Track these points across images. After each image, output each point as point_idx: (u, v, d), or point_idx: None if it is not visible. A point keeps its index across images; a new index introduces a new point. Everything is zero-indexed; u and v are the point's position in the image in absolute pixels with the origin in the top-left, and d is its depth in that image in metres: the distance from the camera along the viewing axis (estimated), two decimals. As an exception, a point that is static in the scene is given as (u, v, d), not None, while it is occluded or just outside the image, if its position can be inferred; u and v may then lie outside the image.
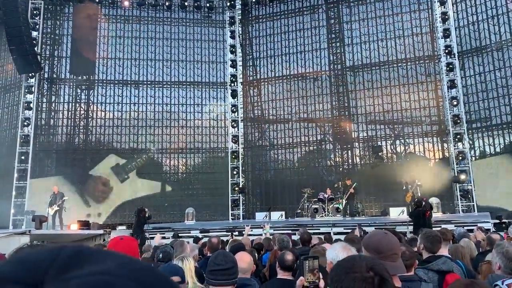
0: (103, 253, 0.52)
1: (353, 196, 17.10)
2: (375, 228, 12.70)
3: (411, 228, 12.40)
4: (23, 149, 20.41)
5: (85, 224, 15.80)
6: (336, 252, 2.84)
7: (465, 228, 10.67)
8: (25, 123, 20.57)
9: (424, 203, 11.36)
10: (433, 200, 15.51)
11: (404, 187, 15.19)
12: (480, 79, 19.31)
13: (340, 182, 18.31)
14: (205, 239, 8.24)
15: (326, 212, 17.10)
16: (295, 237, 10.35)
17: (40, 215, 15.17)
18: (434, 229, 6.69)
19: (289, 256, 3.99)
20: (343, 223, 14.81)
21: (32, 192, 20.05)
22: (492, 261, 3.27)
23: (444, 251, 4.35)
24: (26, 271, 0.48)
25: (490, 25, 19.18)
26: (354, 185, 17.01)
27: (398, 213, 16.33)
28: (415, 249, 4.53)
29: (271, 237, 8.36)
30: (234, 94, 22.64)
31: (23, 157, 20.30)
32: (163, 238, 14.24)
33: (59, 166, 21.80)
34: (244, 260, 3.43)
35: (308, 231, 8.84)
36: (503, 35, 18.84)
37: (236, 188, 21.55)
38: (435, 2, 20.17)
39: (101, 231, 15.54)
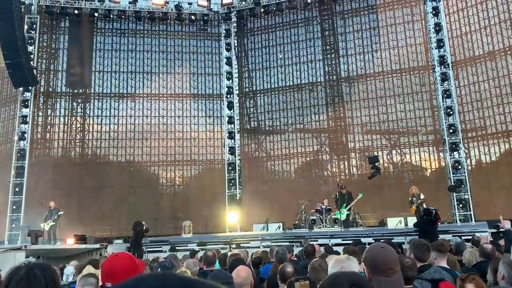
0: (202, 282, 0.54)
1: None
2: (373, 239, 12.69)
3: (409, 238, 12.36)
4: (19, 163, 20.32)
5: (82, 238, 15.67)
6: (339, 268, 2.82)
7: (463, 238, 10.69)
8: (21, 137, 20.51)
9: (434, 212, 11.27)
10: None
11: (410, 199, 15.17)
12: (474, 88, 19.46)
13: (337, 193, 18.21)
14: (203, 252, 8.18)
15: (324, 223, 17.03)
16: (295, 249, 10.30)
17: (36, 230, 15.05)
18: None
19: (289, 269, 3.98)
20: (341, 234, 14.75)
21: (27, 206, 19.90)
22: (498, 272, 3.27)
23: (442, 262, 4.35)
24: None
25: (483, 35, 19.40)
26: (360, 196, 16.68)
27: (396, 224, 16.30)
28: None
29: (267, 249, 8.31)
30: (230, 106, 22.72)
31: (18, 171, 20.19)
32: (160, 251, 14.18)
33: (55, 180, 21.69)
34: (239, 275, 3.41)
35: (311, 243, 8.81)
36: (496, 45, 19.04)
37: (233, 200, 21.49)
38: (428, 13, 20.41)
39: (97, 245, 15.42)
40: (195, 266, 5.48)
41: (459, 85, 19.85)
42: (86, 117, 22.73)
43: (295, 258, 6.51)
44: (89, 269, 4.75)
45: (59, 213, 15.83)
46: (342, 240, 13.50)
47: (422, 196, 14.79)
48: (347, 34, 22.31)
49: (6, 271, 1.96)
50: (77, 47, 22.72)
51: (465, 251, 5.61)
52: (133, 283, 0.53)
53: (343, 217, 16.42)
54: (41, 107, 22.32)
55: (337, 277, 1.52)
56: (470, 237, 10.86)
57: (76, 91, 23.03)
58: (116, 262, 2.55)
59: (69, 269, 7.06)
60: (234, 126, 22.61)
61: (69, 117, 22.59)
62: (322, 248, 7.86)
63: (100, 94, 22.84)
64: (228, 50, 23.34)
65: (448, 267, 4.30)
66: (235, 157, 22.35)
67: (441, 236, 10.52)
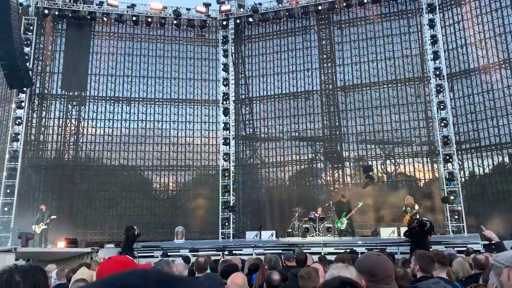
0: (184, 279, 0.54)
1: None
2: (366, 249, 12.68)
3: (402, 249, 12.38)
4: (11, 164, 20.15)
5: (73, 242, 15.52)
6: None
7: (455, 249, 10.69)
8: (14, 139, 20.35)
9: (429, 224, 11.26)
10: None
11: (404, 209, 15.17)
12: (468, 101, 19.62)
13: (331, 202, 18.21)
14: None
15: (317, 232, 16.98)
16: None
17: (27, 233, 14.89)
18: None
19: (275, 276, 3.96)
20: (334, 243, 14.72)
21: (18, 208, 19.71)
22: (489, 283, 3.26)
23: (442, 273, 4.35)
24: None
25: (478, 48, 19.60)
26: (360, 204, 16.64)
27: (389, 233, 16.28)
28: (409, 270, 4.51)
29: (262, 257, 8.27)
30: (226, 112, 22.71)
31: (10, 173, 20.00)
32: (151, 257, 14.08)
33: (48, 182, 21.55)
34: (234, 283, 3.38)
35: (304, 251, 8.79)
36: (490, 59, 19.23)
37: (227, 207, 21.42)
38: (424, 25, 20.60)
39: (88, 249, 15.25)
40: (185, 270, 5.46)
41: (453, 97, 20.00)
42: (81, 120, 22.62)
43: (295, 265, 6.49)
44: (82, 271, 4.71)
45: (52, 217, 15.72)
46: (335, 249, 13.47)
47: (416, 207, 14.82)
48: (344, 43, 22.44)
49: None
50: (74, 49, 22.66)
51: (454, 262, 5.55)
52: (115, 277, 0.53)
53: (343, 226, 16.36)
54: (36, 109, 22.19)
55: (330, 280, 1.59)
56: (462, 249, 10.89)
57: (71, 93, 22.93)
58: (110, 265, 2.51)
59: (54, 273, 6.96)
60: (229, 133, 22.58)
61: (64, 120, 22.46)
62: (315, 257, 7.84)
63: (96, 97, 22.76)
64: (225, 56, 23.38)
65: (447, 278, 4.30)
66: (230, 164, 22.30)
67: (433, 247, 10.54)
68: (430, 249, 8.84)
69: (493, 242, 6.08)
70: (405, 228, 14.40)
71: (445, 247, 11.99)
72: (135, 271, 0.56)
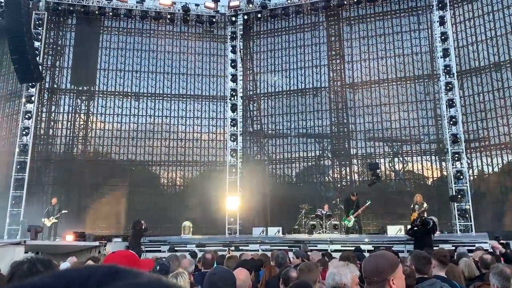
0: (135, 271, 0.55)
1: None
2: (372, 247, 12.70)
3: (408, 247, 12.34)
4: (21, 158, 20.36)
5: (81, 236, 15.67)
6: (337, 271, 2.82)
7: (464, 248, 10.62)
8: (24, 132, 20.57)
9: (432, 222, 11.23)
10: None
11: (412, 206, 15.11)
12: (478, 99, 19.44)
13: (338, 199, 18.17)
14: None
15: (324, 229, 16.98)
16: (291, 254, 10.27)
17: (36, 226, 15.06)
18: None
19: (293, 273, 3.97)
20: (341, 240, 14.71)
21: (28, 201, 19.94)
22: (491, 284, 3.27)
23: (441, 272, 4.33)
24: (64, 284, 0.52)
25: (488, 46, 19.39)
26: (368, 203, 16.54)
27: (396, 231, 16.24)
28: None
29: (268, 253, 8.29)
30: (233, 108, 22.72)
31: (20, 167, 20.23)
32: (159, 251, 14.17)
33: (57, 176, 21.76)
34: (238, 278, 3.40)
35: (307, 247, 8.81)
36: (501, 57, 19.02)
37: (234, 202, 21.45)
38: (434, 22, 20.42)
39: (96, 243, 15.39)
40: (191, 265, 5.49)
41: (463, 95, 19.83)
42: (90, 115, 22.79)
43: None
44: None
45: (63, 211, 15.85)
46: (342, 246, 13.46)
47: (425, 205, 14.73)
48: (353, 40, 22.33)
49: (7, 266, 1.95)
50: (83, 44, 22.80)
51: (460, 261, 5.52)
52: (68, 270, 0.56)
53: (350, 224, 16.27)
54: (45, 103, 22.40)
55: None
56: (470, 248, 10.83)
57: (80, 88, 23.09)
58: (114, 259, 2.53)
59: (66, 264, 7.02)
60: (237, 129, 22.60)
61: (73, 114, 22.65)
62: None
63: (105, 92, 22.89)
64: (233, 52, 23.36)
65: (446, 276, 4.28)
66: (237, 160, 22.33)
67: (440, 246, 10.50)
68: (435, 248, 8.82)
69: (502, 241, 6.08)
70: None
71: (453, 246, 11.94)
72: (89, 266, 0.56)
